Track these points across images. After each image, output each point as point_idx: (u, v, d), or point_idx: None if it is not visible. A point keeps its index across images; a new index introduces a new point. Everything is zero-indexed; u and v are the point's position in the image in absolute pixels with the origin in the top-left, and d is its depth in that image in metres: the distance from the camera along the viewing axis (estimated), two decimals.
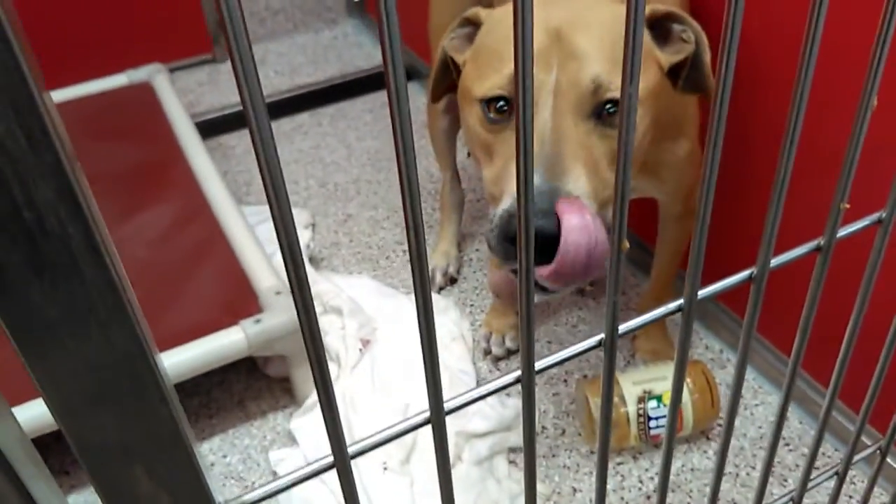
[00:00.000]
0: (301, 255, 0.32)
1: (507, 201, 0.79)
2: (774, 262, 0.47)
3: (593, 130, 0.80)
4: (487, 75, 0.83)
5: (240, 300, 1.17)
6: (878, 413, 0.99)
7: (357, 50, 2.26)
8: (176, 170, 1.50)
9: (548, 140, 0.78)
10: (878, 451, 0.73)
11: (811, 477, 0.71)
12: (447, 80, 0.98)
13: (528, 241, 0.36)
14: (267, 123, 0.28)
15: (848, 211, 0.45)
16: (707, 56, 0.85)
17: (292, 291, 0.32)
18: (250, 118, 0.27)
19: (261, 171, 0.29)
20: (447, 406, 0.40)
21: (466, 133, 0.90)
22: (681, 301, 0.46)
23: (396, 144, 0.31)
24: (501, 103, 0.82)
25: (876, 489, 1.13)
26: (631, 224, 0.39)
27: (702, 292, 0.45)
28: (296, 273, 0.31)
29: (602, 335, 0.43)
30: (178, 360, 1.08)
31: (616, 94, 0.79)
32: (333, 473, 0.37)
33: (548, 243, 0.73)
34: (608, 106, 0.79)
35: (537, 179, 0.75)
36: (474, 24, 0.90)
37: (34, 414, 0.74)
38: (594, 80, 0.78)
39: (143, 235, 1.35)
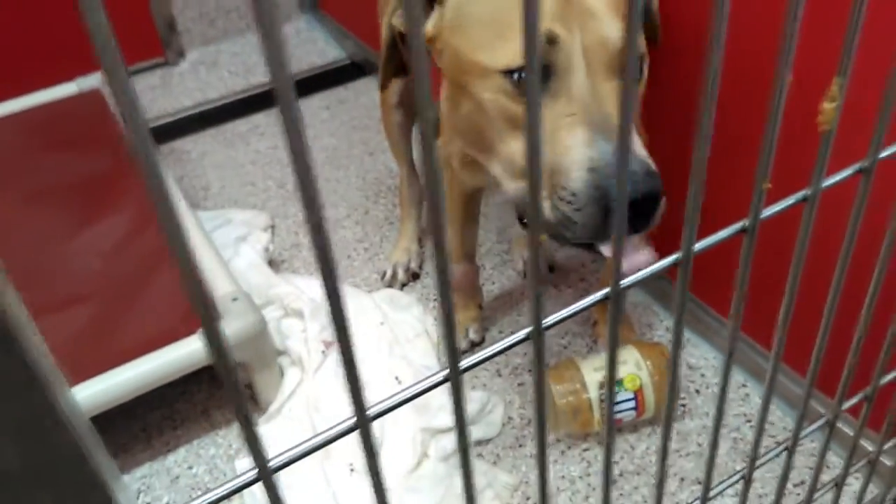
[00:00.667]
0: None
1: (581, 172, 0.73)
2: (699, 245, 0.47)
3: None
4: (501, 44, 0.77)
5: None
6: (832, 384, 0.99)
7: (311, 46, 2.24)
8: (129, 178, 1.47)
9: (592, 102, 0.74)
10: (828, 424, 0.74)
11: (762, 453, 0.72)
12: (396, 61, 0.94)
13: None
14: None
15: (772, 190, 0.46)
16: (656, 3, 0.85)
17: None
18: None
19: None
20: (376, 411, 0.40)
21: (476, 110, 0.82)
22: (607, 290, 0.46)
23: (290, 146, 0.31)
24: None
25: (836, 460, 1.15)
26: None
27: (625, 281, 0.45)
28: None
29: (529, 328, 0.43)
30: (136, 373, 1.06)
31: (640, 49, 0.79)
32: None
33: (648, 205, 0.72)
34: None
35: (608, 145, 0.72)
36: None
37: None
38: (621, 38, 0.76)
39: (96, 247, 1.33)
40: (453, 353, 0.40)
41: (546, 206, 0.76)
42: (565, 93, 0.75)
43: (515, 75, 0.77)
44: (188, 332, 1.11)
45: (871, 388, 0.76)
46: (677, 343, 0.53)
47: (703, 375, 1.28)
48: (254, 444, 0.35)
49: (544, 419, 0.47)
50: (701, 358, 1.30)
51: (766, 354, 1.22)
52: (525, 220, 0.80)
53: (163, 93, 2.08)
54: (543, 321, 0.43)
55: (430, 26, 0.85)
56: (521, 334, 0.44)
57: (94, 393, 1.04)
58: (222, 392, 1.28)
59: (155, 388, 1.09)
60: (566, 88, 0.75)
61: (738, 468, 1.14)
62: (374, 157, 1.80)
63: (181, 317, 1.16)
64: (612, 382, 0.51)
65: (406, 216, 1.55)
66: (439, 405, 1.19)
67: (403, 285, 1.50)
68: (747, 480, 0.69)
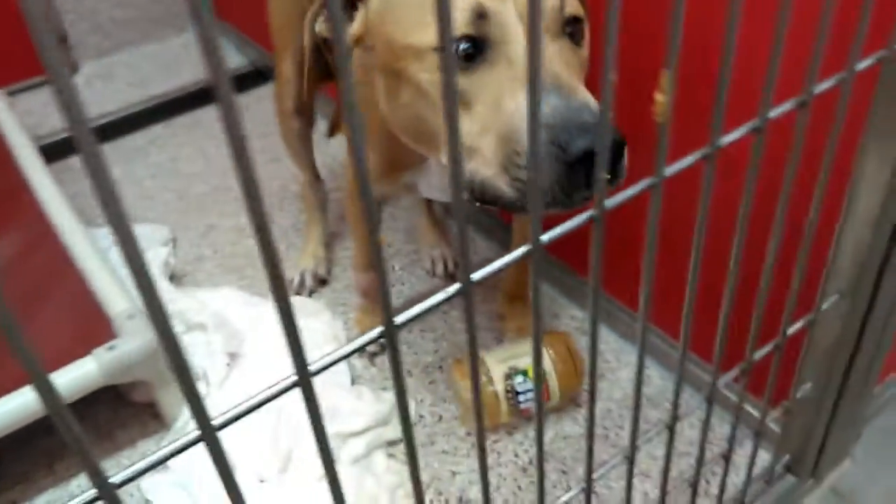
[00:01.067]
0: (149, 274, 0.31)
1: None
2: (609, 202, 0.49)
3: (566, 48, 0.75)
4: (431, 20, 0.74)
5: (92, 328, 1.13)
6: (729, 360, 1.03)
7: None
8: (19, 198, 1.42)
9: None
10: (706, 402, 0.78)
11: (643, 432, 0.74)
12: (320, 67, 0.91)
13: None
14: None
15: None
16: None
17: (148, 313, 0.32)
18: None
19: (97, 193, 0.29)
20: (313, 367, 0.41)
21: (416, 97, 0.79)
22: (526, 247, 0.47)
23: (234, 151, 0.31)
24: (466, 45, 0.73)
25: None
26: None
27: (545, 236, 0.47)
28: (149, 297, 0.31)
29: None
30: (26, 400, 1.03)
31: (574, 10, 0.76)
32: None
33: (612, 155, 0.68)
34: (569, 23, 0.76)
35: (559, 99, 0.68)
36: None
37: None
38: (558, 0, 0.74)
39: None
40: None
41: (503, 184, 0.72)
42: (505, 60, 0.73)
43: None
44: (82, 353, 1.07)
45: (745, 362, 0.80)
46: (595, 307, 0.54)
47: (606, 361, 1.32)
48: (196, 404, 0.35)
49: (478, 370, 0.48)
50: (602, 343, 1.33)
51: (667, 339, 1.26)
52: (480, 201, 0.75)
53: (55, 108, 2.00)
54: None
55: (356, 25, 0.83)
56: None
57: None
58: (125, 411, 1.25)
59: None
60: (505, 56, 0.73)
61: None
62: (279, 164, 1.78)
63: (74, 337, 1.12)
64: (538, 351, 0.53)
65: (311, 221, 1.54)
66: (351, 408, 1.19)
67: (312, 292, 1.49)
68: (630, 459, 0.72)
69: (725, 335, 0.72)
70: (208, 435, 0.37)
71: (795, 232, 0.74)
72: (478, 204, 0.78)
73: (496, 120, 0.72)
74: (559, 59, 0.73)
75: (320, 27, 0.85)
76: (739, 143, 0.58)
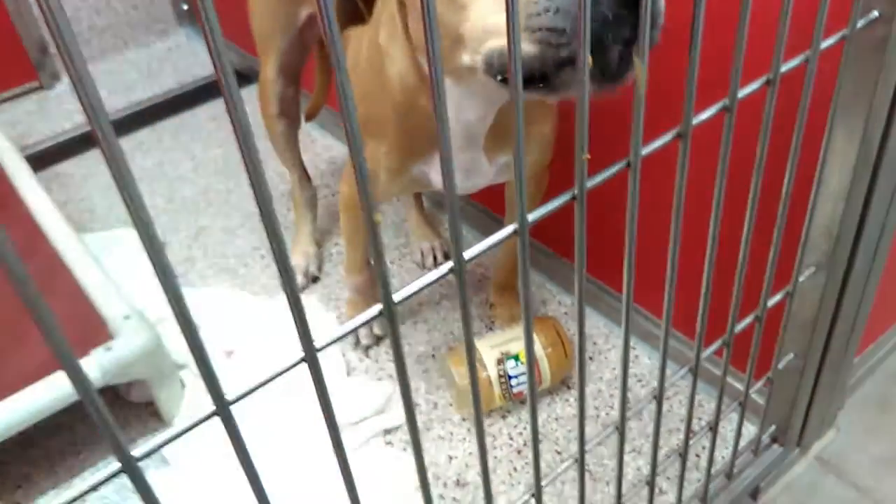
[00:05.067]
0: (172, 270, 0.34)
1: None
2: (590, 182, 0.51)
3: None
4: None
5: (88, 330, 1.15)
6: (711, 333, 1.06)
7: (193, 59, 2.21)
8: (9, 207, 1.43)
9: None
10: (690, 372, 0.81)
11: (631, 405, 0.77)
12: (349, 9, 0.86)
13: None
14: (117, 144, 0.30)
15: (590, 161, 0.50)
16: None
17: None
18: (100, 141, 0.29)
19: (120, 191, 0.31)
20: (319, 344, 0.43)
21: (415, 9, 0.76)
22: (514, 226, 0.50)
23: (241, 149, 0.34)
24: None
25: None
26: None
27: (532, 215, 0.50)
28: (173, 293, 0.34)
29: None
30: (27, 403, 1.05)
31: None
32: None
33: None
34: None
35: None
36: None
37: None
38: None
39: None
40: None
41: (524, 44, 0.66)
42: None
43: None
44: (80, 355, 1.09)
45: (727, 334, 0.83)
46: (580, 289, 0.57)
47: (594, 343, 1.34)
48: (211, 380, 0.38)
49: (473, 348, 0.51)
50: (591, 327, 1.36)
51: (653, 318, 1.29)
52: (504, 77, 0.70)
53: (40, 117, 2.02)
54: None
55: None
56: (445, 268, 0.47)
57: None
58: (125, 411, 1.27)
59: (50, 415, 1.07)
60: None
61: (632, 425, 1.21)
62: (265, 164, 1.78)
63: (73, 340, 1.14)
64: (528, 326, 0.56)
65: (301, 219, 1.56)
66: (346, 400, 1.21)
67: (303, 289, 1.51)
68: (621, 432, 0.74)
69: (706, 309, 0.75)
70: (223, 409, 0.39)
71: (770, 207, 0.77)
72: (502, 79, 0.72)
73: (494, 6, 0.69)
74: None
75: None
76: (712, 122, 0.61)
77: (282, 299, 1.40)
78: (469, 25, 0.72)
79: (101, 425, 0.36)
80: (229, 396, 0.40)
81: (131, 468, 0.38)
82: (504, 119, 0.93)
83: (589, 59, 0.47)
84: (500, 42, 0.69)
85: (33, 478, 1.20)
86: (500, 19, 0.64)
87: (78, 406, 1.13)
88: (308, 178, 1.54)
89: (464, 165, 0.97)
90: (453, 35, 0.74)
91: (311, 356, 0.43)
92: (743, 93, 0.62)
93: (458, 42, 0.74)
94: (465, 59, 0.74)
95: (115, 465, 0.38)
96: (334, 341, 0.44)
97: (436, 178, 1.02)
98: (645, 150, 0.55)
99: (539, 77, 0.68)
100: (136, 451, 0.38)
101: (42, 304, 0.32)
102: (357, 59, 0.98)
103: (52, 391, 1.06)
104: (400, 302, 0.46)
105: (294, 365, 0.43)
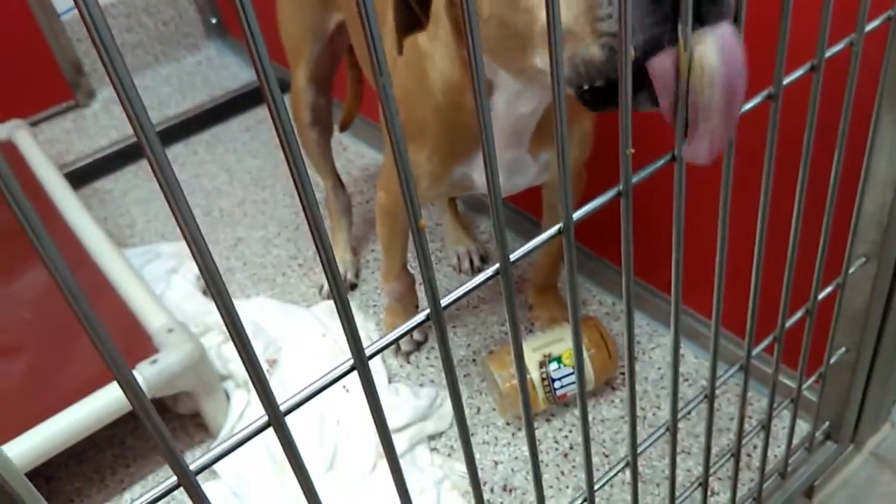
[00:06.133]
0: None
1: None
2: (635, 178, 0.50)
3: None
4: None
5: (133, 344, 1.16)
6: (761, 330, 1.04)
7: (224, 72, 2.24)
8: (50, 225, 1.46)
9: None
10: (741, 369, 0.79)
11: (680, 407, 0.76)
12: (408, 16, 0.82)
13: None
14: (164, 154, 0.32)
15: (635, 154, 0.49)
16: None
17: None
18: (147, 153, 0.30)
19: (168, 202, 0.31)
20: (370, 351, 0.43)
21: (499, 2, 0.71)
22: (559, 225, 0.49)
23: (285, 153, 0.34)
24: None
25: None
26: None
27: (577, 214, 0.49)
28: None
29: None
30: (79, 416, 1.06)
31: None
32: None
33: None
34: None
35: None
36: None
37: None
38: None
39: (24, 297, 1.32)
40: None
41: (595, 49, 0.62)
42: None
43: None
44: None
45: (778, 329, 0.81)
46: (628, 305, 0.56)
47: (638, 343, 1.33)
48: (264, 390, 0.38)
49: (521, 349, 0.50)
50: (636, 326, 1.34)
51: (698, 317, 1.27)
52: (584, 92, 0.66)
53: (78, 136, 2.05)
54: (511, 256, 0.46)
55: None
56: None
57: (36, 444, 1.03)
58: (172, 423, 1.28)
59: (100, 429, 1.08)
60: None
61: (681, 426, 1.19)
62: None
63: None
64: (577, 329, 0.55)
65: (336, 227, 1.56)
66: (390, 405, 1.21)
67: None
68: (672, 432, 0.73)
69: (756, 303, 0.73)
70: (276, 420, 0.39)
71: (818, 198, 0.75)
72: (586, 98, 0.68)
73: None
74: None
75: None
76: (757, 110, 0.59)
77: (320, 308, 1.40)
78: (540, 27, 0.67)
79: (157, 438, 0.36)
80: (282, 406, 0.40)
81: (189, 482, 0.38)
82: (549, 115, 0.91)
83: (631, 52, 0.46)
84: (578, 50, 0.63)
85: (85, 492, 1.22)
86: (571, 19, 0.62)
87: (126, 419, 1.14)
88: (342, 186, 1.55)
89: (507, 165, 0.96)
90: (523, 36, 0.71)
91: (361, 363, 0.42)
92: (788, 80, 0.61)
93: (530, 44, 0.70)
94: (539, 62, 0.71)
95: (172, 479, 0.38)
96: (385, 347, 0.44)
97: (479, 179, 1.01)
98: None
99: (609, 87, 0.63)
100: (194, 465, 0.38)
101: (94, 319, 0.32)
102: (393, 65, 0.98)
103: (102, 404, 1.07)
104: (446, 306, 0.46)
105: (346, 373, 0.42)
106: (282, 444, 0.40)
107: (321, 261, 0.38)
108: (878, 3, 0.65)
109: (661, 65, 0.54)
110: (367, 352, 0.42)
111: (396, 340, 0.45)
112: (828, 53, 0.62)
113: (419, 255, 0.43)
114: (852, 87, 0.67)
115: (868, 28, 0.65)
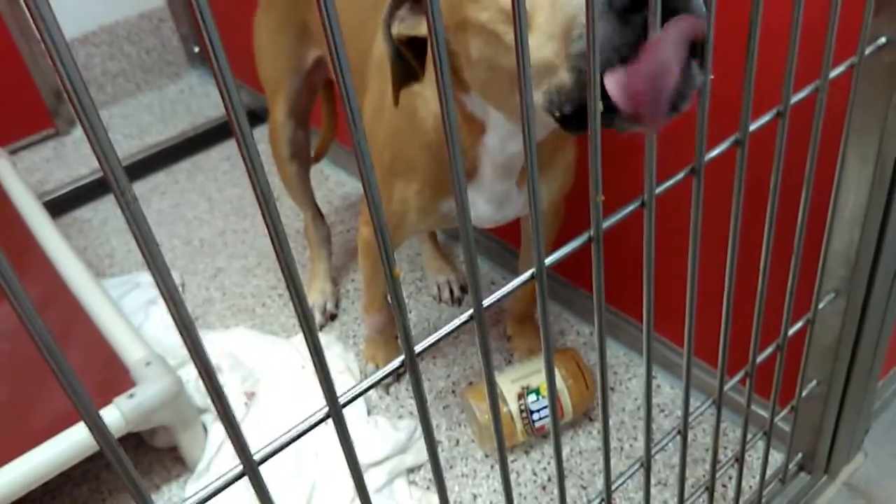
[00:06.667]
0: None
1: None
2: (606, 223, 0.51)
3: None
4: None
5: (111, 377, 1.15)
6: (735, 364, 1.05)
7: (205, 100, 2.25)
8: (28, 255, 1.45)
9: None
10: (714, 404, 0.80)
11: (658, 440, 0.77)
12: (403, 70, 0.84)
13: None
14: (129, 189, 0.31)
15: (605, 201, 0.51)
16: None
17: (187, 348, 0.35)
18: (114, 188, 0.30)
19: (134, 237, 0.32)
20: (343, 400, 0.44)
21: (485, 43, 0.73)
22: (532, 270, 0.50)
23: (255, 189, 0.35)
24: None
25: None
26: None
27: (549, 259, 0.50)
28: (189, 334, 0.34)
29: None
30: (54, 452, 1.05)
31: None
32: None
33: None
34: None
35: None
36: None
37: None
38: None
39: (2, 328, 1.30)
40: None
41: (563, 73, 0.65)
42: None
43: None
44: (103, 403, 1.10)
45: (749, 365, 0.82)
46: (601, 328, 0.57)
47: (615, 373, 1.34)
48: (238, 440, 0.38)
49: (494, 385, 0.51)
50: (611, 357, 1.36)
51: (674, 348, 1.28)
52: (560, 117, 0.67)
53: (58, 164, 2.05)
54: (483, 301, 0.47)
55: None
56: (465, 316, 0.48)
57: (9, 480, 1.02)
58: (148, 457, 1.27)
59: (76, 464, 1.07)
60: None
61: (657, 457, 1.20)
62: (280, 202, 1.81)
63: (94, 387, 1.15)
64: (550, 366, 0.56)
65: (316, 257, 1.57)
66: (369, 440, 1.21)
67: (321, 327, 1.51)
68: (646, 468, 0.74)
69: (727, 339, 0.74)
70: (251, 469, 0.39)
71: (787, 236, 0.77)
72: (567, 124, 0.69)
73: (555, 17, 0.65)
74: None
75: (397, 29, 0.79)
76: (725, 155, 0.61)
77: (300, 339, 1.40)
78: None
79: (126, 480, 0.36)
80: (256, 455, 0.40)
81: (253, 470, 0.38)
82: (539, 149, 0.92)
83: (599, 102, 0.47)
84: (556, 78, 0.65)
85: None
86: (550, 53, 0.65)
87: (102, 454, 1.13)
88: (322, 217, 1.55)
89: (498, 197, 0.98)
90: (510, 77, 0.73)
91: (335, 412, 0.43)
92: (755, 126, 0.63)
93: (515, 82, 0.72)
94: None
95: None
96: (358, 396, 0.44)
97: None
98: (659, 189, 0.55)
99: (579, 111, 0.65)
100: None
101: (61, 359, 0.33)
102: (381, 104, 0.99)
103: (76, 441, 1.06)
104: (420, 353, 0.46)
105: (320, 422, 0.43)
106: (256, 494, 0.41)
107: (293, 301, 0.38)
108: (842, 48, 0.67)
109: (615, 78, 0.55)
110: (342, 400, 0.42)
111: (370, 388, 0.46)
112: (794, 100, 0.64)
113: (393, 303, 0.44)
114: (818, 131, 0.69)
115: (833, 74, 0.67)
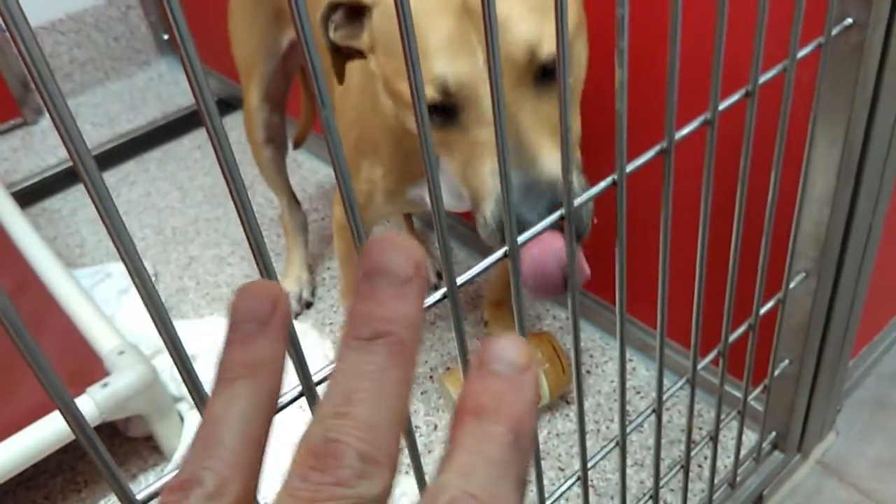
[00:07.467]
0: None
1: (490, 203, 0.75)
2: (577, 201, 0.52)
3: (540, 96, 0.73)
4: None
5: (84, 367, 1.14)
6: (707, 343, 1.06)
7: (175, 88, 2.22)
8: None
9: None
10: (688, 382, 0.81)
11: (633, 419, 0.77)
12: (342, 61, 0.86)
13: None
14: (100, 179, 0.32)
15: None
16: None
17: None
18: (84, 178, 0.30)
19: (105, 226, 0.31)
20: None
21: (406, 125, 0.81)
22: (505, 248, 0.50)
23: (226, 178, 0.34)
24: (439, 107, 0.73)
25: None
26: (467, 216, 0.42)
27: (521, 237, 0.51)
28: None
29: (444, 289, 0.46)
30: (26, 443, 1.04)
31: (552, 47, 0.70)
32: None
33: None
34: (546, 65, 0.72)
35: (516, 173, 0.69)
36: (349, 6, 0.79)
37: None
38: (527, 46, 0.70)
39: None
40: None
41: (490, 205, 0.76)
42: (475, 121, 0.73)
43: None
44: (76, 393, 1.09)
45: (722, 344, 0.83)
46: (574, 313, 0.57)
47: (591, 356, 1.35)
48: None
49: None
50: (587, 340, 1.37)
51: (648, 330, 1.29)
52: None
53: (26, 153, 2.01)
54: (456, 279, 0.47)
55: (366, 38, 0.80)
56: (438, 294, 0.48)
57: None
58: (124, 447, 1.26)
59: (50, 454, 1.06)
60: (476, 117, 0.73)
61: (633, 438, 1.21)
62: (253, 190, 1.80)
63: (67, 377, 1.13)
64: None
65: (292, 245, 1.56)
66: None
67: (297, 315, 1.51)
68: (622, 447, 0.74)
69: (700, 319, 0.75)
70: None
71: (758, 216, 0.78)
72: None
73: (469, 179, 0.77)
74: (528, 111, 0.72)
75: (333, 35, 0.81)
76: (695, 135, 0.61)
77: None
78: (479, 182, 0.76)
79: (102, 468, 0.36)
80: None
81: None
82: None
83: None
84: (491, 206, 0.76)
85: None
86: (494, 185, 0.74)
87: (76, 444, 1.12)
88: (297, 204, 1.54)
89: (457, 188, 0.98)
90: (471, 188, 0.79)
91: (309, 390, 0.43)
92: (723, 105, 0.63)
93: (477, 194, 0.78)
94: (478, 212, 0.79)
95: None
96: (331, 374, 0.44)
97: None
98: (629, 167, 0.56)
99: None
100: (140, 494, 0.38)
101: (35, 348, 0.32)
102: (348, 84, 0.99)
103: (50, 431, 1.05)
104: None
105: (294, 399, 0.43)
106: None
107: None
108: (809, 28, 0.67)
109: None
110: (315, 378, 0.42)
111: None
112: (762, 79, 0.65)
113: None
114: (787, 111, 0.70)
115: (800, 55, 0.68)
